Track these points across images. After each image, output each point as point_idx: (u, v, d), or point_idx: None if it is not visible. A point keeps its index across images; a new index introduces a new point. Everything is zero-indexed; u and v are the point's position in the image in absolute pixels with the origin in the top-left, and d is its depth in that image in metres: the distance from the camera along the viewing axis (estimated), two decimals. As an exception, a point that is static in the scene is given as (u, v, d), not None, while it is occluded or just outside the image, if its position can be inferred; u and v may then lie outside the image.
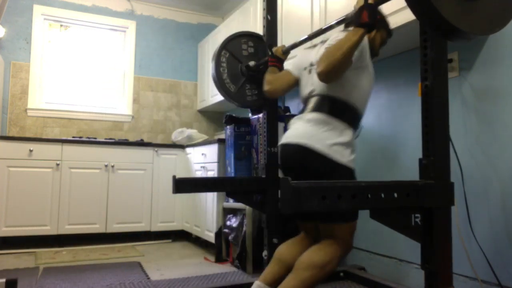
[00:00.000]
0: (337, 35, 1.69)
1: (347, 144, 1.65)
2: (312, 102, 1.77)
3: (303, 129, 1.70)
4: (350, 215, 1.70)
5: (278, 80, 1.98)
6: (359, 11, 1.50)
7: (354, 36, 1.51)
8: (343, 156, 1.63)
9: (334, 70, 1.54)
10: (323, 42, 1.85)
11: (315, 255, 1.60)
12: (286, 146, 1.75)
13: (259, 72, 2.28)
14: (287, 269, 1.67)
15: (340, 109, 1.68)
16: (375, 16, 1.50)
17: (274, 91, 1.99)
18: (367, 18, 1.48)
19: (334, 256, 1.61)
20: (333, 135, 1.64)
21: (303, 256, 1.62)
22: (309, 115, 1.72)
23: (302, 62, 1.91)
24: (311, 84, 1.79)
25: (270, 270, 1.78)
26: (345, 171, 1.64)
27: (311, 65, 1.83)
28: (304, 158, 1.66)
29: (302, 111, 1.81)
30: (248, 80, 2.34)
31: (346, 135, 1.66)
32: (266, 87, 2.00)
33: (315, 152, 1.62)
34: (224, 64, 2.29)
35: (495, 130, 1.87)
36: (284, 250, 1.81)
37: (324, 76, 1.56)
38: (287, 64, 2.03)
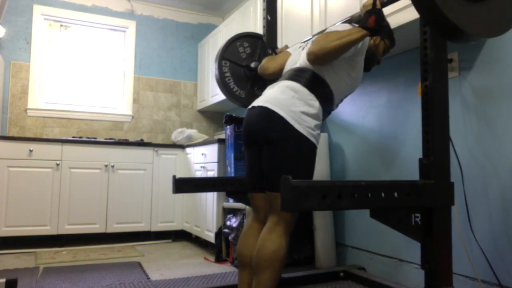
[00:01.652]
0: (343, 25, 1.72)
1: (312, 116, 1.62)
2: (289, 72, 1.77)
3: (271, 95, 1.69)
4: None
5: (273, 59, 2.03)
6: (367, 15, 1.52)
7: (357, 33, 1.54)
8: (305, 126, 1.59)
9: (324, 55, 1.57)
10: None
11: (265, 250, 1.54)
12: (251, 109, 1.74)
13: None
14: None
15: (315, 84, 1.66)
16: (381, 22, 1.53)
17: (265, 68, 2.02)
18: (373, 23, 1.51)
19: (281, 239, 1.56)
20: (298, 103, 1.61)
21: (255, 256, 1.57)
22: (282, 83, 1.72)
23: (300, 44, 1.96)
24: (298, 58, 1.80)
25: (240, 280, 1.76)
26: (305, 143, 1.59)
27: (307, 44, 1.84)
28: (265, 121, 1.63)
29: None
30: (254, 81, 2.35)
31: (312, 106, 1.63)
32: (261, 64, 2.05)
33: (275, 115, 1.59)
34: (228, 74, 2.30)
35: (495, 130, 1.87)
36: (242, 250, 1.76)
37: (313, 56, 1.60)
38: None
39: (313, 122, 1.62)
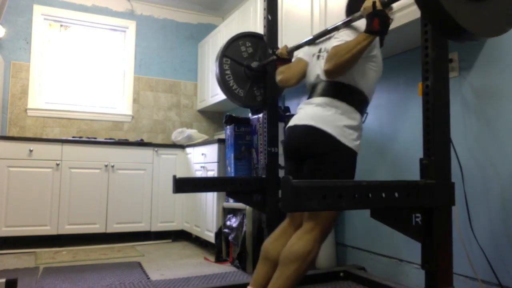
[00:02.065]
0: (347, 31, 1.72)
1: (355, 128, 1.68)
2: (320, 87, 1.78)
3: (311, 112, 1.72)
4: None
5: (290, 68, 2.02)
6: (370, 18, 1.52)
7: (365, 41, 1.55)
8: (350, 139, 1.65)
9: (340, 69, 1.62)
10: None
11: (295, 247, 1.59)
12: (294, 127, 1.77)
13: (264, 71, 2.29)
14: (275, 266, 1.66)
15: (347, 93, 1.70)
16: (386, 23, 1.53)
17: (286, 79, 2.01)
18: (378, 26, 1.51)
19: (314, 243, 1.60)
20: (341, 118, 1.66)
21: (284, 250, 1.61)
22: (317, 100, 1.74)
23: (311, 49, 1.95)
24: (319, 69, 1.80)
25: (258, 271, 1.78)
26: (349, 153, 1.66)
27: (320, 51, 1.85)
28: (311, 138, 1.68)
29: (309, 97, 1.82)
30: (254, 81, 2.35)
31: (354, 119, 1.68)
32: (278, 77, 2.04)
33: (322, 132, 1.64)
34: (228, 71, 2.30)
35: (495, 130, 1.87)
36: (269, 246, 1.79)
37: (331, 74, 1.65)
38: (298, 53, 2.06)
39: (356, 134, 1.68)
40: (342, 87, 1.70)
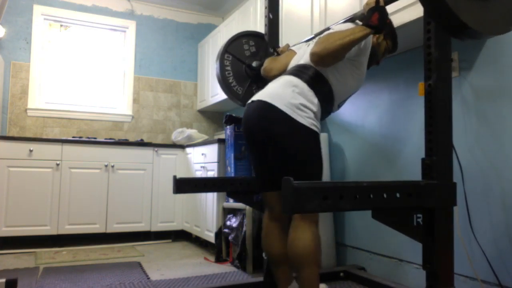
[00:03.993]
0: (345, 23, 1.73)
1: (311, 109, 1.62)
2: (294, 68, 1.77)
3: (272, 89, 1.70)
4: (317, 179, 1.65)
5: (277, 60, 2.00)
6: (370, 12, 1.52)
7: (360, 32, 1.54)
8: (305, 117, 1.59)
9: (328, 56, 1.57)
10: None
11: (295, 250, 1.58)
12: (251, 103, 1.74)
13: None
14: (285, 261, 1.72)
15: (316, 81, 1.66)
16: (385, 20, 1.53)
17: (269, 69, 1.99)
18: (376, 21, 1.51)
19: (307, 233, 1.58)
20: (297, 96, 1.61)
21: (291, 254, 1.60)
22: (283, 77, 1.72)
23: (305, 42, 1.95)
24: (303, 55, 1.79)
25: (277, 278, 1.81)
26: (307, 133, 1.60)
27: (312, 41, 1.84)
28: (265, 116, 1.64)
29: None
30: (253, 80, 2.34)
31: (311, 102, 1.63)
32: (263, 66, 2.02)
33: (276, 110, 1.59)
34: (229, 68, 2.29)
35: (495, 130, 1.87)
36: (269, 251, 1.81)
37: (316, 57, 1.60)
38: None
39: (312, 114, 1.62)
40: (315, 74, 1.66)
